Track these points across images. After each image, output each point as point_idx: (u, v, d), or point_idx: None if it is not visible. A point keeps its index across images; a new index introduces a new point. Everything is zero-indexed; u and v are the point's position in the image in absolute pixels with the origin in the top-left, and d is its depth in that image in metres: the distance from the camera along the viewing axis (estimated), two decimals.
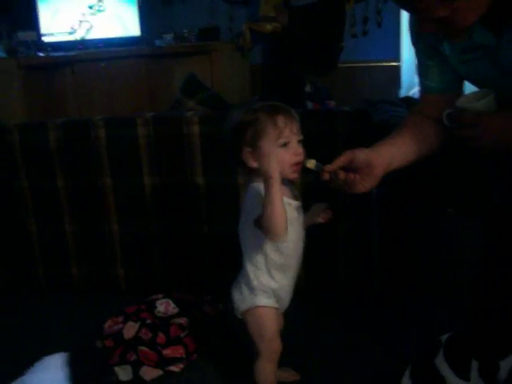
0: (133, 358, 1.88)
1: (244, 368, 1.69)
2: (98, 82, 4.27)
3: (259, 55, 5.00)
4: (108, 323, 2.07)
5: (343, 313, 2.16)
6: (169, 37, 4.62)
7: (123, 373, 1.84)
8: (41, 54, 4.25)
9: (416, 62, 1.71)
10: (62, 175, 2.28)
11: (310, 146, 2.09)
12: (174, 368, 1.86)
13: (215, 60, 4.43)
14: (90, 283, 2.43)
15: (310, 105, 4.40)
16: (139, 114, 2.19)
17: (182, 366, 1.87)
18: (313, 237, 2.16)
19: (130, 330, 1.99)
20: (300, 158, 1.47)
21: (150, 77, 4.40)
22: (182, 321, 2.02)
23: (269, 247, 1.51)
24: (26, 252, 2.42)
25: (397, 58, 4.90)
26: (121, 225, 2.31)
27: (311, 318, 2.13)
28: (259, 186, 1.46)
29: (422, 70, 1.66)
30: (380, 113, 2.42)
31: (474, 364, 1.55)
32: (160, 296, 2.12)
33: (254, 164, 1.48)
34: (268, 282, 1.54)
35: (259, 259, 1.53)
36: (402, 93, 4.83)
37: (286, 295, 1.60)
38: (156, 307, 2.07)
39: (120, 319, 2.06)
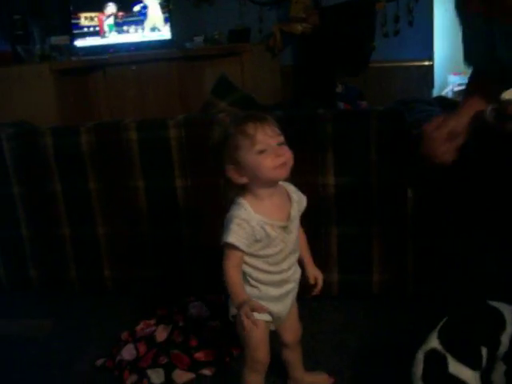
0: (165, 361, 1.88)
1: (276, 371, 1.69)
2: (129, 85, 4.29)
3: (290, 56, 4.97)
4: (140, 326, 2.08)
5: (377, 316, 2.13)
6: (199, 39, 4.63)
7: (155, 376, 1.84)
8: (73, 59, 4.30)
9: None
10: (95, 178, 2.29)
11: (344, 146, 2.08)
12: (206, 371, 1.85)
13: (246, 61, 4.42)
14: (123, 286, 2.43)
15: (341, 105, 4.36)
16: (171, 117, 2.19)
17: (213, 369, 1.86)
18: (347, 240, 2.16)
19: (163, 332, 1.99)
20: (283, 158, 1.42)
21: (181, 79, 4.41)
22: (214, 324, 2.01)
23: (247, 262, 1.48)
24: (59, 254, 2.44)
25: (429, 57, 4.82)
26: (154, 227, 2.31)
27: (345, 321, 2.11)
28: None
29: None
30: (414, 112, 2.37)
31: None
32: (192, 299, 2.11)
33: (240, 180, 1.45)
34: (251, 291, 1.50)
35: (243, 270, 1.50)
36: (435, 92, 4.76)
37: (280, 306, 1.55)
38: (188, 310, 2.07)
39: (152, 322, 2.07)
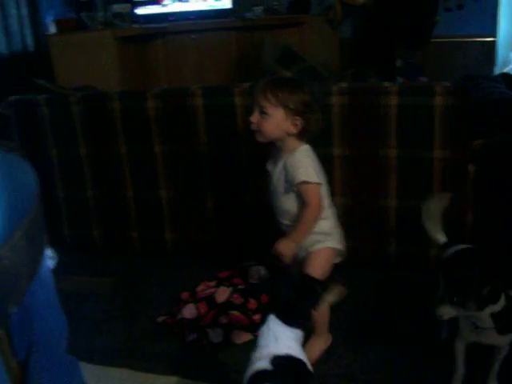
0: (224, 321, 1.94)
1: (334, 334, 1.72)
2: (188, 53, 4.34)
3: (350, 29, 4.91)
4: (201, 287, 2.14)
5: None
6: (259, 9, 4.61)
7: (214, 335, 1.90)
8: (134, 26, 4.36)
9: None
10: (159, 142, 2.34)
11: (408, 119, 2.08)
12: None
13: (305, 33, 4.39)
14: (183, 248, 2.50)
15: (400, 80, 4.29)
16: (236, 84, 2.22)
17: None
18: (406, 213, 2.15)
19: (223, 294, 2.05)
20: (251, 125, 1.71)
21: (240, 49, 4.42)
22: None
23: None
24: (122, 215, 2.52)
25: (493, 33, 4.68)
26: (215, 191, 2.36)
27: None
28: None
29: None
30: (480, 89, 2.35)
31: None
32: (253, 263, 2.16)
33: None
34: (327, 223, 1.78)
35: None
36: (497, 70, 4.63)
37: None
38: (248, 273, 2.12)
39: (213, 283, 2.13)
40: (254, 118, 1.70)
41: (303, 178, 1.67)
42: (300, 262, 1.79)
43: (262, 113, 1.68)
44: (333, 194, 1.91)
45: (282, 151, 1.74)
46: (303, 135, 1.71)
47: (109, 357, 1.88)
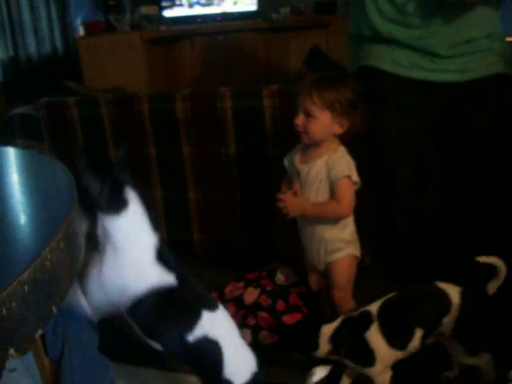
0: (252, 322, 1.94)
1: None
2: (215, 54, 4.36)
3: None
4: (229, 288, 2.14)
5: None
6: (285, 10, 4.61)
7: (243, 336, 1.89)
8: (162, 28, 4.40)
9: None
10: (188, 143, 2.36)
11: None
12: None
13: (331, 34, 4.37)
14: (211, 250, 2.52)
15: None
16: (265, 86, 2.22)
17: None
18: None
19: (251, 295, 2.05)
20: (296, 127, 1.71)
21: (267, 50, 4.43)
22: (302, 290, 2.05)
23: None
24: (151, 216, 2.53)
25: None
26: (244, 193, 2.37)
27: None
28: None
29: None
30: None
31: None
32: (281, 264, 2.16)
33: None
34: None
35: None
36: None
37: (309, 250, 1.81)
38: (276, 275, 2.12)
39: (241, 284, 2.13)
40: (299, 120, 1.69)
41: (347, 173, 1.66)
42: (320, 275, 1.79)
43: (308, 115, 1.67)
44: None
45: (321, 149, 1.72)
46: (346, 135, 1.71)
47: (137, 356, 1.90)
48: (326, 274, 1.79)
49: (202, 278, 2.30)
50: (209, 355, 1.27)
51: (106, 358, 1.52)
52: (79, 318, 1.44)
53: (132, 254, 1.22)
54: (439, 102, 1.91)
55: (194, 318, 1.25)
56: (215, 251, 2.50)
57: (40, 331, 0.63)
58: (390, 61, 1.96)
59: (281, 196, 1.77)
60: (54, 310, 0.66)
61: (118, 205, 1.22)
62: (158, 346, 1.29)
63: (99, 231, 1.22)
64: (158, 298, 1.22)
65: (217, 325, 1.28)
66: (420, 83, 1.93)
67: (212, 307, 1.31)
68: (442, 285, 1.54)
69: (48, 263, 0.66)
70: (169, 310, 1.24)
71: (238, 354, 1.32)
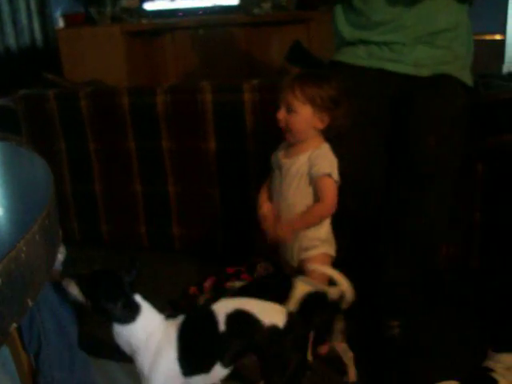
0: None
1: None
2: (196, 48, 4.34)
3: None
4: (208, 282, 2.14)
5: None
6: (267, 5, 4.60)
7: None
8: (143, 21, 4.36)
9: None
10: (168, 137, 2.35)
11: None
12: None
13: (313, 29, 4.38)
14: (190, 244, 2.51)
15: None
16: (246, 81, 2.22)
17: None
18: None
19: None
20: (278, 123, 1.70)
21: (248, 45, 4.41)
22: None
23: None
24: (130, 210, 2.53)
25: (502, 30, 4.66)
26: (223, 188, 2.37)
27: None
28: None
29: None
30: (489, 87, 2.33)
31: None
32: (261, 259, 2.16)
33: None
34: None
35: None
36: (505, 68, 4.61)
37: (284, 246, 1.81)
38: (256, 269, 2.12)
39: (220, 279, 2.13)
40: (281, 114, 1.70)
41: (328, 171, 1.67)
42: (293, 272, 1.78)
43: (290, 110, 1.67)
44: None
45: (304, 145, 1.72)
46: (328, 131, 1.71)
47: (116, 351, 1.88)
48: (300, 272, 1.78)
49: (182, 273, 2.33)
50: None
51: (84, 353, 1.51)
52: (57, 312, 1.43)
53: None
54: (388, 93, 1.91)
55: None
56: (195, 246, 2.49)
57: (14, 324, 0.62)
58: (352, 54, 1.99)
59: (266, 224, 1.78)
60: (30, 303, 0.65)
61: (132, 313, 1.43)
62: None
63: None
64: None
65: None
66: (375, 72, 1.94)
67: None
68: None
69: (23, 255, 0.65)
70: None
71: None
